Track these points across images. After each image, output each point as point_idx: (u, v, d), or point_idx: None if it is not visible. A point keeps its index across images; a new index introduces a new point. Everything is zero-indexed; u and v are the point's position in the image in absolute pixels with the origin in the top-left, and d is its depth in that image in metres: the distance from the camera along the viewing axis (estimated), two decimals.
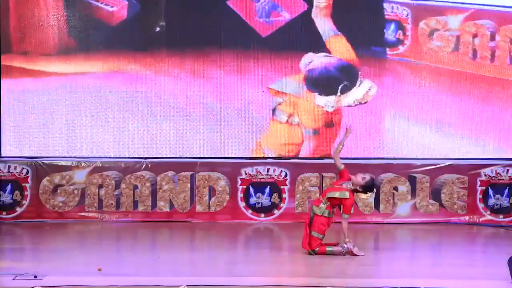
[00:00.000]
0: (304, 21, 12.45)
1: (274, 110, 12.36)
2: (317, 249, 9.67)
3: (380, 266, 9.43)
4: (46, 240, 11.08)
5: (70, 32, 12.39)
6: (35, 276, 8.17)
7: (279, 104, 12.38)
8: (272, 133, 12.40)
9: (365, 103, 12.43)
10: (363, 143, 12.31)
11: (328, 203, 9.73)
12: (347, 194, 9.67)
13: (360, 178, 9.69)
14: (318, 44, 12.35)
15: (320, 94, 12.39)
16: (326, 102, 12.33)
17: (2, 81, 12.32)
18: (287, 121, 12.36)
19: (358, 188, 9.69)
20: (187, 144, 12.33)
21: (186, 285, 7.76)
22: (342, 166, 9.91)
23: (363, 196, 9.85)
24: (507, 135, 12.33)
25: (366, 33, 12.41)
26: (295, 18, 12.59)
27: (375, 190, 9.95)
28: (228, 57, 12.40)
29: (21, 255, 9.99)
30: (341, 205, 9.71)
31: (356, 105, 12.41)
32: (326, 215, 9.74)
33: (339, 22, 12.38)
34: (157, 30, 12.48)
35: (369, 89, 12.39)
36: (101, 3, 12.55)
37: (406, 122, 12.32)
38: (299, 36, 12.44)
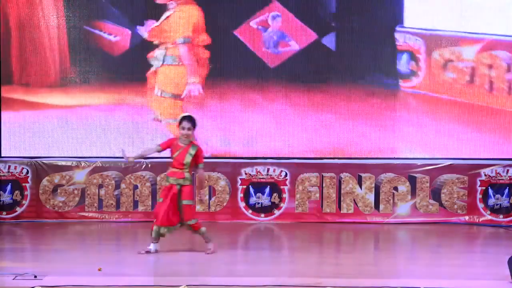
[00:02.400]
0: (314, 52, 12.42)
1: None
2: (194, 220, 9.68)
3: (380, 266, 9.43)
4: (46, 240, 11.08)
5: (72, 62, 12.38)
6: (35, 276, 8.16)
7: None
8: None
9: None
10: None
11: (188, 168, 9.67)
12: (196, 148, 9.66)
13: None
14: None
15: None
16: None
17: (2, 113, 12.32)
18: None
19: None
20: None
21: (186, 285, 7.76)
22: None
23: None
24: None
25: (378, 64, 12.46)
26: (304, 48, 12.52)
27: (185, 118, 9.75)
28: (233, 87, 12.44)
29: (21, 255, 9.99)
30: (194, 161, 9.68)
31: None
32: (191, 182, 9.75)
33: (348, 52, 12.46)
34: None
35: None
36: (104, 32, 12.53)
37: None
38: (308, 67, 12.41)
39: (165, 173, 9.76)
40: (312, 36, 12.47)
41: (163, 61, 12.47)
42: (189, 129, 9.55)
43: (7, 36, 12.33)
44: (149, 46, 12.41)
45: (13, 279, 8.15)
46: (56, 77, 12.42)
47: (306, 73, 12.39)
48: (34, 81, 12.39)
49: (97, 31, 12.41)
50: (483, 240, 11.55)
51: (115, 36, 12.60)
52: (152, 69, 12.44)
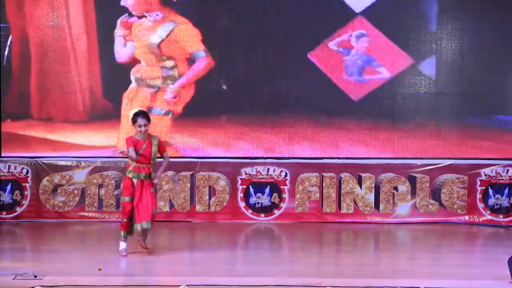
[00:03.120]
0: (407, 79, 12.08)
1: None
2: (155, 211, 9.67)
3: (380, 266, 9.43)
4: (46, 240, 11.08)
5: (105, 96, 12.29)
6: (35, 276, 8.16)
7: None
8: None
9: None
10: None
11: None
12: (156, 138, 9.67)
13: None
14: None
15: None
16: None
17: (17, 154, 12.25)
18: None
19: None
20: None
21: (186, 285, 7.76)
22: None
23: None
24: None
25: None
26: (397, 76, 11.98)
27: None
28: (306, 124, 12.18)
29: (21, 255, 9.98)
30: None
31: None
32: None
33: None
34: (224, 87, 12.33)
35: None
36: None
37: None
38: (401, 101, 12.01)
39: (130, 170, 9.67)
40: (407, 60, 11.90)
41: None
42: (145, 125, 9.56)
43: (25, 60, 12.17)
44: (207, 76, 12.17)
45: (13, 279, 8.15)
46: (84, 111, 12.29)
47: (399, 109, 11.99)
48: (56, 116, 12.27)
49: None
50: (483, 240, 11.55)
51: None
52: None
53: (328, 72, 12.03)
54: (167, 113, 12.27)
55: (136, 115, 9.62)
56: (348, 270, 9.05)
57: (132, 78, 12.22)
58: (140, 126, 9.55)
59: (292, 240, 11.27)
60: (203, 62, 12.22)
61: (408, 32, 12.14)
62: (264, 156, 12.32)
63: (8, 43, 12.23)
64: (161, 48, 12.22)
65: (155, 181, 9.68)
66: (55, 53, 12.20)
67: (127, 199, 9.62)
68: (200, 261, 9.48)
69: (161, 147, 9.70)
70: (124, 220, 9.63)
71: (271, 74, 12.22)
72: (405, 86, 12.22)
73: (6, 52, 12.22)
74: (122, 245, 9.63)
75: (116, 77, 12.25)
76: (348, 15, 11.91)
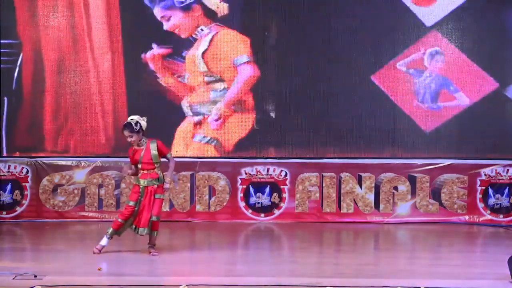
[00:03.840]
0: (491, 107, 11.51)
1: None
2: (158, 218, 9.63)
3: (380, 266, 9.43)
4: (46, 240, 11.08)
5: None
6: (35, 276, 8.16)
7: None
8: None
9: None
10: None
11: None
12: (155, 142, 9.61)
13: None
14: None
15: None
16: None
17: None
18: None
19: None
20: None
21: (186, 285, 7.76)
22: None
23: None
24: None
25: None
26: (478, 103, 11.32)
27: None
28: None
29: (21, 255, 9.98)
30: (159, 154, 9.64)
31: None
32: None
33: None
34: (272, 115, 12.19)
35: None
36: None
37: None
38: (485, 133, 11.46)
39: (137, 177, 9.69)
40: (491, 84, 11.32)
41: None
42: (130, 136, 9.53)
43: (39, 86, 12.05)
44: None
45: (13, 279, 8.15)
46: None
47: (481, 143, 11.76)
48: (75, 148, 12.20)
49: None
50: (483, 240, 11.55)
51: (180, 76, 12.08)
52: None
53: (395, 97, 11.50)
54: (210, 142, 12.25)
55: (122, 128, 9.59)
56: (348, 270, 9.05)
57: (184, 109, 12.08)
58: (127, 138, 9.56)
59: (292, 240, 11.27)
60: (248, 71, 12.02)
61: (492, 49, 11.69)
62: (264, 156, 12.32)
63: (19, 62, 12.12)
64: (206, 61, 12.05)
65: (167, 186, 9.68)
66: (75, 74, 12.06)
67: (131, 203, 9.62)
68: (200, 261, 9.48)
69: (162, 150, 9.66)
70: (119, 220, 9.62)
71: (333, 102, 11.90)
72: (489, 116, 11.93)
73: (15, 73, 12.10)
74: (103, 241, 9.63)
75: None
76: (419, 29, 11.26)
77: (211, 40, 11.99)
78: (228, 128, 12.23)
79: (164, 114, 11.93)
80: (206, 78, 12.08)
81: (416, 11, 11.50)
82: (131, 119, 9.56)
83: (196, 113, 12.14)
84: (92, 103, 12.09)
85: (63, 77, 12.07)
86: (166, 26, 11.94)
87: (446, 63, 11.49)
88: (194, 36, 11.88)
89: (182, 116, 12.16)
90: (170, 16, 11.96)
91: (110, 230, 9.63)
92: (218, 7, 11.87)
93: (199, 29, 11.94)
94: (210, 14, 11.97)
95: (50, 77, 12.05)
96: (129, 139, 9.56)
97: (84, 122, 12.18)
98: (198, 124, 12.11)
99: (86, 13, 12.00)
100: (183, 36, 11.98)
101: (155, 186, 9.60)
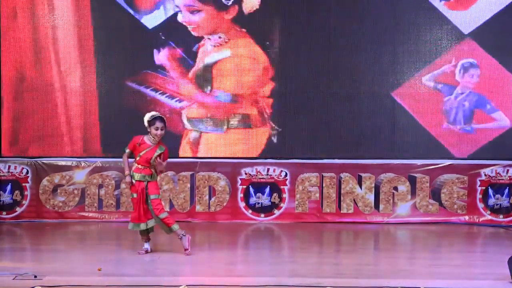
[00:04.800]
0: None
1: None
2: (165, 214, 9.65)
3: (380, 266, 9.43)
4: (46, 240, 11.08)
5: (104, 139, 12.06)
6: (35, 276, 8.16)
7: None
8: None
9: None
10: None
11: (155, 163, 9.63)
12: (163, 148, 9.62)
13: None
14: None
15: None
16: None
17: None
18: None
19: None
20: None
21: (186, 285, 7.75)
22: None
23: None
24: None
25: None
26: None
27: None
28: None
29: (21, 255, 9.98)
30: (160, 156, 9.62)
31: None
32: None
33: None
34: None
35: None
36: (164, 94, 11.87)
37: None
38: None
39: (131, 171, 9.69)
40: None
41: None
42: (162, 128, 9.54)
43: None
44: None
45: (13, 279, 8.15)
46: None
47: None
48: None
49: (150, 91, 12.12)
50: (483, 240, 11.55)
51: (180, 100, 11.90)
52: None
53: (420, 117, 10.85)
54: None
55: (156, 118, 9.56)
56: (348, 270, 9.05)
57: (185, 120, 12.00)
58: (157, 129, 9.50)
59: (292, 240, 11.26)
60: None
61: None
62: (264, 156, 12.31)
63: None
64: (213, 75, 11.95)
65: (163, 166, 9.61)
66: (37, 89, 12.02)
67: (134, 195, 9.65)
68: (200, 261, 9.48)
69: (164, 157, 9.67)
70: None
71: (351, 118, 11.64)
72: None
73: None
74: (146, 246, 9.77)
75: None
76: (452, 36, 10.33)
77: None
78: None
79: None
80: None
81: (448, 15, 10.49)
82: (160, 115, 9.61)
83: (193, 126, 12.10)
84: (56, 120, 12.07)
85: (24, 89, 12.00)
86: (185, 18, 11.72)
87: (481, 77, 10.57)
88: (208, 37, 11.74)
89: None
90: (200, 11, 11.72)
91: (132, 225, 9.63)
92: (251, 10, 11.53)
93: (216, 36, 11.78)
94: (239, 19, 11.81)
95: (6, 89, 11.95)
96: (158, 132, 9.51)
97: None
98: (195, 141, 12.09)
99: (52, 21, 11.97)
100: (196, 34, 11.86)
101: (145, 182, 9.58)
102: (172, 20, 11.95)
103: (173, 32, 11.99)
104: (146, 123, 9.56)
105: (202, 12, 11.57)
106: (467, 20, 10.32)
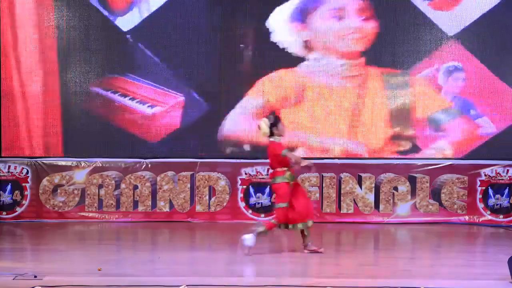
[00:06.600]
0: None
1: None
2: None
3: (380, 266, 9.43)
4: (46, 240, 11.08)
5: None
6: (35, 276, 8.16)
7: None
8: None
9: None
10: None
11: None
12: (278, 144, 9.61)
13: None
14: None
15: None
16: None
17: None
18: None
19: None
20: None
21: (186, 285, 7.76)
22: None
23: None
24: None
25: None
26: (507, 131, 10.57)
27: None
28: None
29: (21, 255, 9.98)
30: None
31: None
32: None
33: None
34: None
35: None
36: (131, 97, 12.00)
37: None
38: None
39: (286, 175, 9.57)
40: None
41: None
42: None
43: None
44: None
45: (13, 279, 8.14)
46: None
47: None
48: None
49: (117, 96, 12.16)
50: (483, 240, 11.55)
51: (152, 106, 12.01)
52: None
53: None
54: None
55: (279, 118, 9.56)
56: (348, 270, 9.05)
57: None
58: (284, 127, 9.57)
59: (292, 240, 11.26)
60: None
61: None
62: (264, 156, 12.30)
63: None
64: None
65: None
66: None
67: (285, 204, 9.58)
68: (200, 261, 9.48)
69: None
70: (276, 223, 9.62)
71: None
72: None
73: None
74: (248, 240, 9.61)
75: None
76: (435, 39, 10.48)
77: None
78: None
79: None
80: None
81: (431, 16, 10.59)
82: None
83: None
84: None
85: None
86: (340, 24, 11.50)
87: (467, 82, 10.87)
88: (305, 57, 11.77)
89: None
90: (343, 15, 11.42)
91: (263, 228, 9.63)
92: None
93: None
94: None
95: None
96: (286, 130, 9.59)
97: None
98: None
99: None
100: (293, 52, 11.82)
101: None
102: (146, 23, 11.97)
103: (146, 35, 12.01)
104: (268, 126, 9.47)
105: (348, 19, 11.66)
106: (451, 20, 10.41)
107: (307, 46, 11.63)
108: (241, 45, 11.86)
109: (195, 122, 12.13)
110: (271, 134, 9.51)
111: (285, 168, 9.55)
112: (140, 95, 11.88)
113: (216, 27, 11.70)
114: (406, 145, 11.18)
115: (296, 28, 11.29)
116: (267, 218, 12.29)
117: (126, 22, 11.93)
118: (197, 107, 11.94)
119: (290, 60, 11.98)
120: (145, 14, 11.90)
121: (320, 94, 11.84)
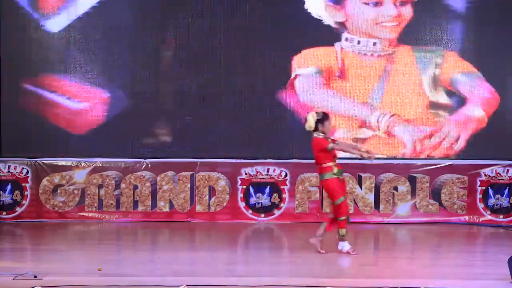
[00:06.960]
0: None
1: None
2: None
3: (380, 266, 9.43)
4: (46, 240, 11.08)
5: None
6: (35, 276, 8.15)
7: None
8: None
9: None
10: None
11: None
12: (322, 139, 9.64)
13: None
14: None
15: None
16: None
17: None
18: None
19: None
20: None
21: (186, 285, 7.76)
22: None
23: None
24: None
25: None
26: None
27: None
28: None
29: (21, 255, 9.98)
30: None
31: None
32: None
33: None
34: None
35: None
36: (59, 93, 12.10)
37: None
38: None
39: (334, 172, 9.64)
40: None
41: None
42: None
43: None
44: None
45: (13, 279, 8.14)
46: None
47: None
48: None
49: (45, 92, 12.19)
50: (483, 240, 11.55)
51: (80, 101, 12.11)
52: None
53: None
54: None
55: (327, 116, 9.60)
56: (348, 270, 9.05)
57: None
58: (330, 126, 9.67)
59: (292, 240, 11.26)
60: None
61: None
62: (264, 156, 12.31)
63: None
64: None
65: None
66: None
67: (343, 198, 9.71)
68: (200, 261, 9.48)
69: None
70: (346, 218, 9.71)
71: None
72: None
73: None
74: (347, 245, 9.70)
75: None
76: None
77: None
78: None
79: None
80: None
81: None
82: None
83: None
84: None
85: None
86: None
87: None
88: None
89: None
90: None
91: (344, 230, 9.67)
92: None
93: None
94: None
95: None
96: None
97: None
98: None
99: None
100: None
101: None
102: (75, 23, 12.02)
103: (77, 35, 12.04)
104: (315, 121, 9.51)
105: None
106: None
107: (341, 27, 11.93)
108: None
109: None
110: (316, 129, 9.57)
111: (331, 164, 9.60)
112: (70, 91, 12.08)
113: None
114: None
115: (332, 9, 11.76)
116: (266, 218, 12.29)
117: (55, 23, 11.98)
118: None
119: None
120: (73, 17, 11.99)
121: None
